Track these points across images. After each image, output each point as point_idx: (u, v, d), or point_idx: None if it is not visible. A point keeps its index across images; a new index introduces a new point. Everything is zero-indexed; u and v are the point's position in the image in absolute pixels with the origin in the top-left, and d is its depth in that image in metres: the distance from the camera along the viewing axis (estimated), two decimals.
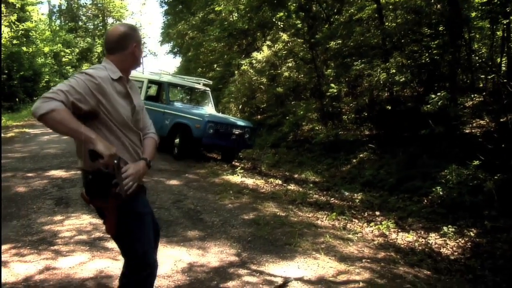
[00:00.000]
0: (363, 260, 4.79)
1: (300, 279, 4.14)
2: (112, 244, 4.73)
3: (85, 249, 4.61)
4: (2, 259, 4.25)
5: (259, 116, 18.33)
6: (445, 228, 6.16)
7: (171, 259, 4.44)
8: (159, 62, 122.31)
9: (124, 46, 2.71)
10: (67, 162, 9.32)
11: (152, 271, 2.79)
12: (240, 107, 19.44)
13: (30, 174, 8.10)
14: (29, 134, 14.28)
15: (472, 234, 6.08)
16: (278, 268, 4.39)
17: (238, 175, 9.10)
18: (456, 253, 5.57)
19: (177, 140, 10.63)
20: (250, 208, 6.71)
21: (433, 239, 5.98)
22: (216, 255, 4.65)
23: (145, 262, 2.72)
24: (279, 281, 4.08)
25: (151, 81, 12.01)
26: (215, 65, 25.25)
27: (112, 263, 4.26)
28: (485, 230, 6.19)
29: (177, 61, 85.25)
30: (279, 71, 17.52)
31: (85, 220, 5.60)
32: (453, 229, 6.14)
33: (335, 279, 4.17)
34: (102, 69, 2.63)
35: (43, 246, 4.64)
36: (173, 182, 8.17)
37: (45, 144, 11.95)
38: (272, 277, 4.15)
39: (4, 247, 4.57)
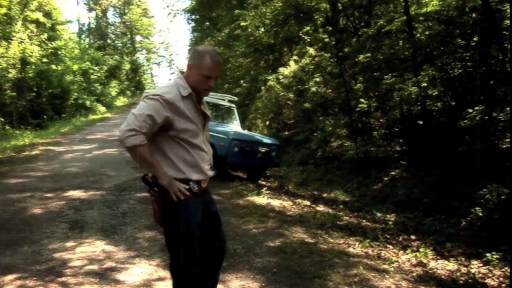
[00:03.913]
0: None
1: None
2: (124, 277, 4.40)
3: (94, 282, 4.26)
4: None
5: (286, 132, 17.92)
6: (488, 255, 5.63)
7: None
8: None
9: (190, 65, 2.90)
10: (87, 182, 9.11)
11: (192, 284, 2.88)
12: (267, 123, 19.07)
13: (48, 195, 7.91)
14: (54, 152, 14.16)
15: None
16: None
17: (263, 196, 8.68)
18: (503, 285, 5.05)
19: None
20: (276, 234, 6.26)
21: (476, 267, 5.46)
22: None
23: (184, 270, 2.88)
24: None
25: None
26: (242, 81, 25.00)
27: None
28: None
29: None
30: (307, 86, 17.13)
31: (98, 247, 5.29)
32: (497, 256, 5.60)
33: None
34: (172, 88, 2.86)
35: (50, 277, 4.33)
36: None
37: (68, 163, 11.80)
38: None
39: (9, 277, 4.31)
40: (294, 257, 5.23)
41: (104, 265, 4.71)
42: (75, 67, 32.04)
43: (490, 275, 5.26)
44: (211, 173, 3.06)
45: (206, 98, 10.28)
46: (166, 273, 4.54)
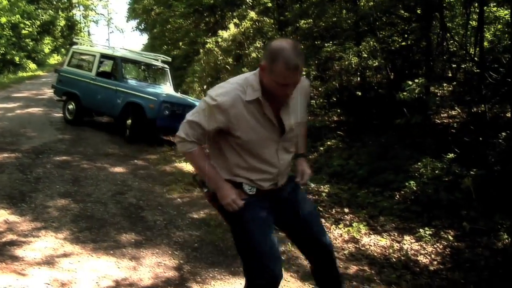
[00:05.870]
0: None
1: None
2: (24, 252, 3.82)
3: None
4: None
5: None
6: (421, 231, 5.48)
7: (94, 274, 3.52)
8: (126, 40, 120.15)
9: (262, 66, 2.32)
10: (3, 143, 8.38)
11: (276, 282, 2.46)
12: (205, 87, 18.51)
13: None
14: None
15: (450, 237, 5.42)
16: None
17: None
18: (435, 262, 4.87)
19: (129, 121, 9.63)
20: (201, 204, 5.78)
21: (409, 243, 5.28)
22: (151, 268, 3.72)
23: (248, 280, 2.55)
24: None
25: (103, 56, 10.96)
26: (180, 43, 24.19)
27: (16, 280, 3.34)
28: (464, 233, 5.52)
29: (144, 38, 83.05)
30: (247, 52, 16.64)
31: (1, 217, 4.64)
32: (430, 232, 5.47)
33: None
34: (234, 89, 2.36)
35: None
36: (118, 169, 7.20)
37: None
38: None
39: None
40: (218, 231, 4.81)
41: (2, 239, 4.11)
42: (3, 19, 29.90)
43: (423, 251, 5.10)
44: (267, 186, 2.55)
45: (136, 57, 9.47)
46: (74, 248, 4.03)
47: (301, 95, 2.52)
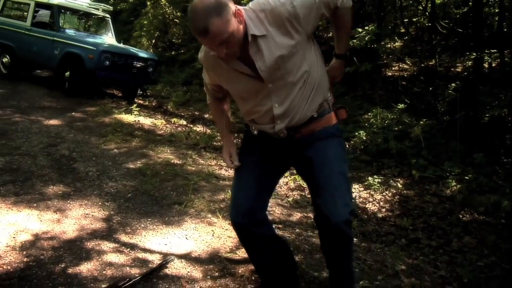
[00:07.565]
0: (273, 226, 3.74)
1: (186, 257, 2.97)
2: None
3: None
4: None
5: (173, 52, 16.83)
6: (370, 179, 5.40)
7: (11, 228, 3.13)
8: None
9: None
10: None
11: (237, 230, 2.34)
12: (153, 41, 17.82)
13: None
14: None
15: (399, 185, 5.38)
16: (158, 240, 3.20)
17: (133, 114, 7.79)
18: (383, 209, 4.76)
19: (67, 73, 9.04)
20: (138, 154, 5.46)
21: (357, 191, 5.18)
22: (77, 220, 3.36)
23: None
24: (156, 260, 2.89)
25: (38, 4, 10.17)
26: None
27: None
28: (413, 181, 5.53)
29: None
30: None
31: None
32: (379, 180, 5.39)
33: (233, 256, 3.05)
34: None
35: None
36: (53, 122, 6.68)
37: None
38: (147, 254, 2.96)
39: None
40: (154, 180, 4.50)
41: None
42: None
43: (371, 199, 5.03)
44: (270, 129, 2.16)
45: (75, 6, 8.67)
46: None
47: (271, 25, 1.94)
